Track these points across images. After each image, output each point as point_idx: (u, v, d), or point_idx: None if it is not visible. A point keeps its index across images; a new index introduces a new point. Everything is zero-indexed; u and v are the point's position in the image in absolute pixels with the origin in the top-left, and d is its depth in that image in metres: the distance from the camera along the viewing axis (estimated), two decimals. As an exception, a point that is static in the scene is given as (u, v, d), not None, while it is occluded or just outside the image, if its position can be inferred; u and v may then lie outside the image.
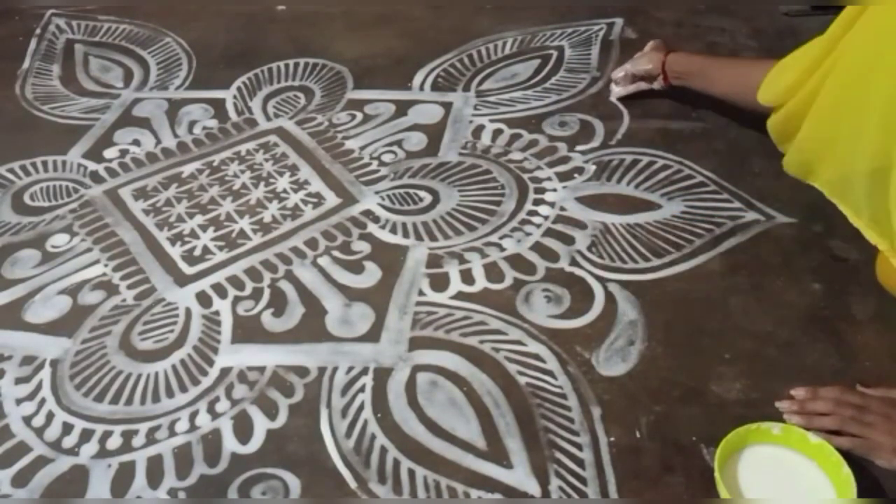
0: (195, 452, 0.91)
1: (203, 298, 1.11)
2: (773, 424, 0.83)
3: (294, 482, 0.87)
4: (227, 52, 1.70)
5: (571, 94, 1.47)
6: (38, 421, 0.96)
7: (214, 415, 0.95)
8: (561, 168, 1.29)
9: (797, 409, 0.87)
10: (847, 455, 0.80)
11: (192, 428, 0.93)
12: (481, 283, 1.09)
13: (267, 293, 1.11)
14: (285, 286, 1.12)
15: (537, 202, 1.22)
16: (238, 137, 1.44)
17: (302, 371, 0.99)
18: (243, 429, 0.93)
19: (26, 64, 1.71)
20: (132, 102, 1.56)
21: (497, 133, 1.38)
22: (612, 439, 0.88)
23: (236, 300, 1.10)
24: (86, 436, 0.93)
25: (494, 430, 0.90)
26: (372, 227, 1.20)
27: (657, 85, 1.38)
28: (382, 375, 0.97)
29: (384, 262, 1.14)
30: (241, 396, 0.97)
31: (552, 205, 1.21)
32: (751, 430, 0.83)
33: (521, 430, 0.90)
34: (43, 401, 0.98)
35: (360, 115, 1.46)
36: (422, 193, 1.27)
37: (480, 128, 1.40)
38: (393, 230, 1.20)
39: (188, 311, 1.09)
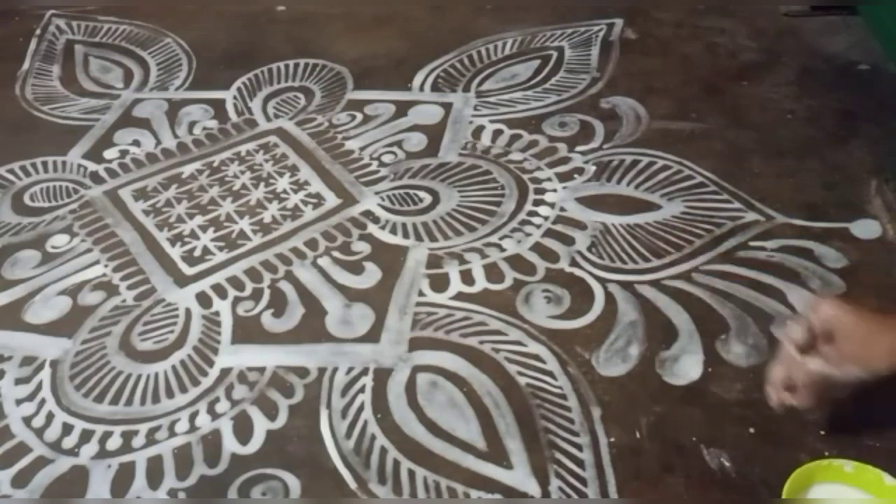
0: (195, 453, 0.91)
1: (203, 299, 1.11)
2: (844, 462, 0.78)
3: (294, 483, 0.87)
4: (227, 53, 1.70)
5: (571, 95, 1.47)
6: (38, 421, 0.96)
7: (214, 415, 0.95)
8: (561, 168, 1.29)
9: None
10: None
11: (192, 428, 0.93)
12: (481, 283, 1.09)
13: (267, 294, 1.11)
14: (285, 287, 1.12)
15: (537, 203, 1.22)
16: (238, 138, 1.44)
17: (302, 372, 0.99)
18: (243, 429, 0.93)
19: (26, 65, 1.71)
20: (132, 103, 1.56)
21: (497, 134, 1.38)
22: (612, 440, 0.88)
23: (236, 301, 1.10)
24: (86, 436, 0.93)
25: (494, 430, 0.90)
26: (372, 228, 1.20)
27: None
28: (382, 376, 0.97)
29: (384, 262, 1.14)
30: (241, 397, 0.97)
31: (552, 205, 1.21)
32: (820, 467, 0.78)
33: (521, 431, 0.90)
34: (43, 401, 0.98)
35: (360, 116, 1.46)
36: (422, 194, 1.27)
37: (480, 128, 1.40)
38: (393, 231, 1.20)
39: (188, 312, 1.09)
